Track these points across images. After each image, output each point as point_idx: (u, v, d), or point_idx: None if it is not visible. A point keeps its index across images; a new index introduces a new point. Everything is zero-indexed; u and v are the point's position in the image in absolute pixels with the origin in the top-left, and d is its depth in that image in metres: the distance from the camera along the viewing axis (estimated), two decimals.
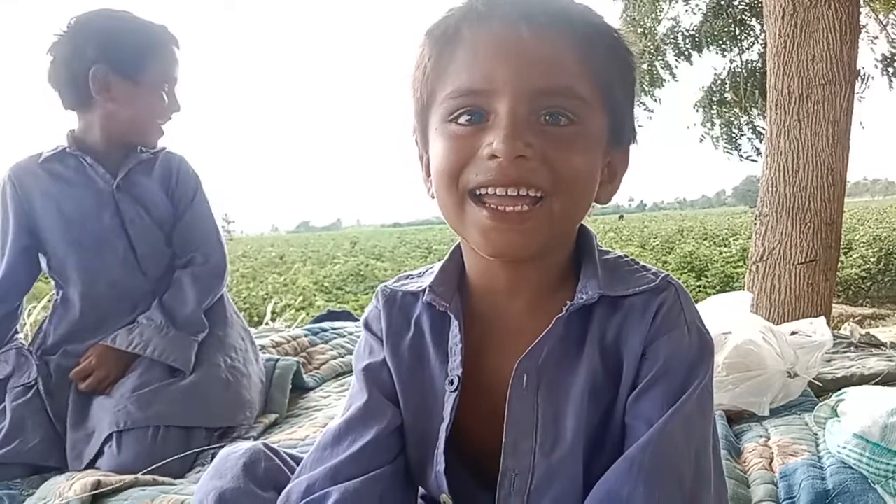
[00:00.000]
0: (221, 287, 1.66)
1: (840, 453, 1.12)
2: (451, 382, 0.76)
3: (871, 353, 2.00)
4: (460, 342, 0.76)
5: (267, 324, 3.83)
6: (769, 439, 1.31)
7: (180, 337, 1.52)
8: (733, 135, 7.28)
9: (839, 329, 2.35)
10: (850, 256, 9.27)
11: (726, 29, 6.88)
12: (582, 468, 0.72)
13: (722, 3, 6.83)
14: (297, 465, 0.82)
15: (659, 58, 6.99)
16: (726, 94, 7.15)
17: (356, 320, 2.52)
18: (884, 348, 2.09)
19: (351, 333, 2.23)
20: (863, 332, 2.24)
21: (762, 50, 6.47)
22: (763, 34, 5.93)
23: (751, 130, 7.22)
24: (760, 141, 6.93)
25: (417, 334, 0.82)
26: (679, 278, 0.94)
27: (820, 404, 1.31)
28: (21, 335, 1.64)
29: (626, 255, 0.81)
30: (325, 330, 2.20)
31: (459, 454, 0.80)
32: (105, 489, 1.13)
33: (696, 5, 6.93)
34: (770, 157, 3.45)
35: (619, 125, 0.74)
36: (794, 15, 3.33)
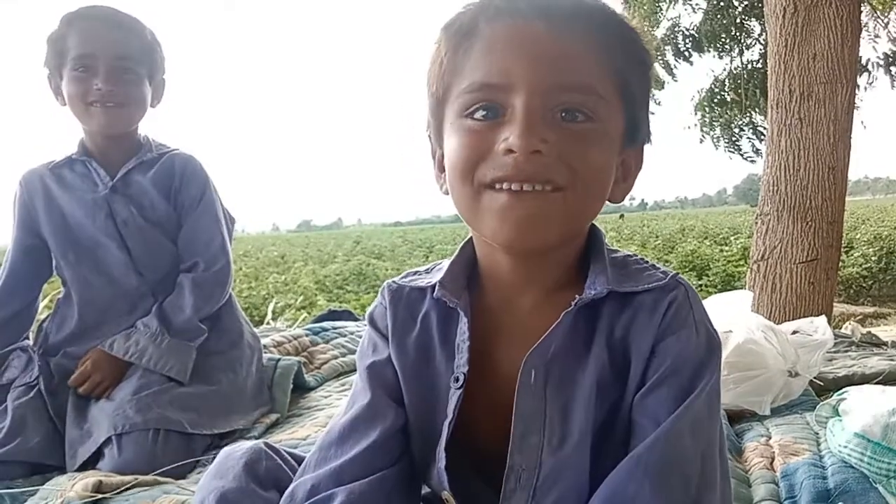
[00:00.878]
0: (223, 295, 1.65)
1: (841, 452, 1.12)
2: (457, 380, 0.76)
3: (872, 353, 2.00)
4: (468, 339, 0.76)
5: (268, 323, 3.84)
6: (770, 438, 1.31)
7: (176, 345, 1.52)
8: (733, 135, 7.27)
9: (840, 328, 2.35)
10: (852, 255, 9.25)
11: (726, 29, 6.87)
12: (588, 464, 0.72)
13: (721, 3, 6.82)
14: (299, 464, 0.82)
15: (659, 58, 6.98)
16: (726, 95, 7.14)
17: (357, 320, 2.52)
18: (885, 347, 2.09)
19: (352, 333, 2.23)
20: (864, 331, 2.24)
21: (762, 50, 6.46)
22: (763, 34, 5.93)
23: (751, 130, 7.21)
24: (760, 141, 6.92)
25: (424, 331, 0.81)
26: None
27: (821, 403, 1.31)
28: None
29: (635, 254, 0.82)
30: (325, 329, 2.20)
31: (463, 450, 0.79)
32: (106, 490, 1.13)
33: (696, 4, 6.92)
34: (771, 156, 3.45)
35: (635, 124, 0.75)
36: (795, 13, 3.32)
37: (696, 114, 7.33)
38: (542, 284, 0.77)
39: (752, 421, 1.45)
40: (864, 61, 6.03)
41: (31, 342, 1.62)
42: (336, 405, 1.66)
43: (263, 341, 1.94)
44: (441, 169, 0.78)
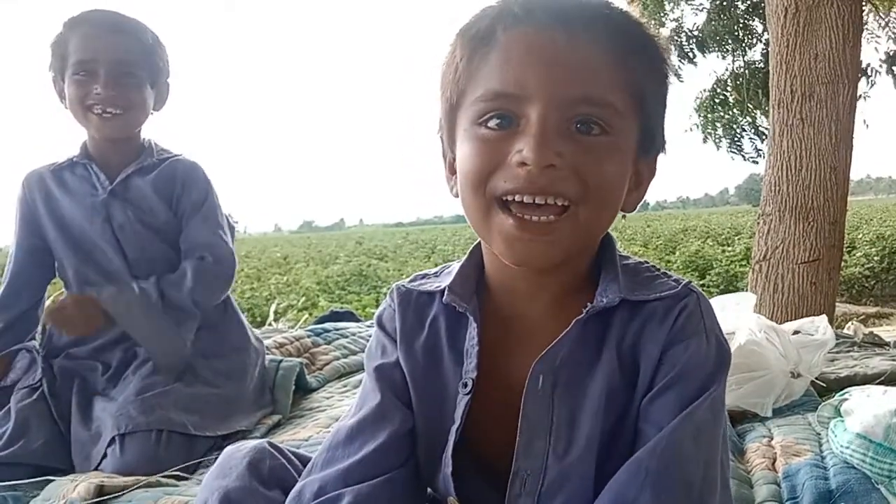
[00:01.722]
0: (224, 289, 1.64)
1: (843, 453, 1.12)
2: (465, 385, 0.76)
3: (874, 353, 1.99)
4: (477, 345, 0.76)
5: (270, 324, 3.84)
6: (772, 439, 1.31)
7: (163, 320, 1.51)
8: (735, 135, 7.26)
9: (843, 328, 2.34)
10: (854, 255, 9.23)
11: (729, 30, 6.87)
12: (594, 471, 0.72)
13: (724, 3, 6.82)
14: (302, 463, 0.82)
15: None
16: (728, 95, 7.13)
17: (359, 321, 2.52)
18: (887, 348, 2.08)
19: (354, 334, 2.23)
20: (866, 331, 2.23)
21: (764, 50, 6.46)
22: (765, 34, 5.91)
23: (753, 131, 7.21)
24: (762, 141, 6.92)
25: (432, 335, 0.81)
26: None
27: (823, 404, 1.31)
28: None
29: (646, 261, 0.81)
30: (327, 331, 2.20)
31: (469, 455, 0.79)
32: (109, 492, 1.13)
33: (700, 4, 6.92)
34: (773, 157, 3.44)
35: (651, 135, 0.74)
36: (797, 14, 3.32)
37: (698, 114, 7.33)
38: (552, 291, 0.77)
39: (754, 422, 1.45)
40: (865, 62, 6.03)
41: (36, 343, 1.62)
42: (338, 406, 1.66)
43: (265, 342, 1.94)
44: (452, 171, 0.78)
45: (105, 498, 1.13)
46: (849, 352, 2.03)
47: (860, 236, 10.98)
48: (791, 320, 2.13)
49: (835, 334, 1.78)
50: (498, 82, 0.68)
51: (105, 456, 1.35)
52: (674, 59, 7.09)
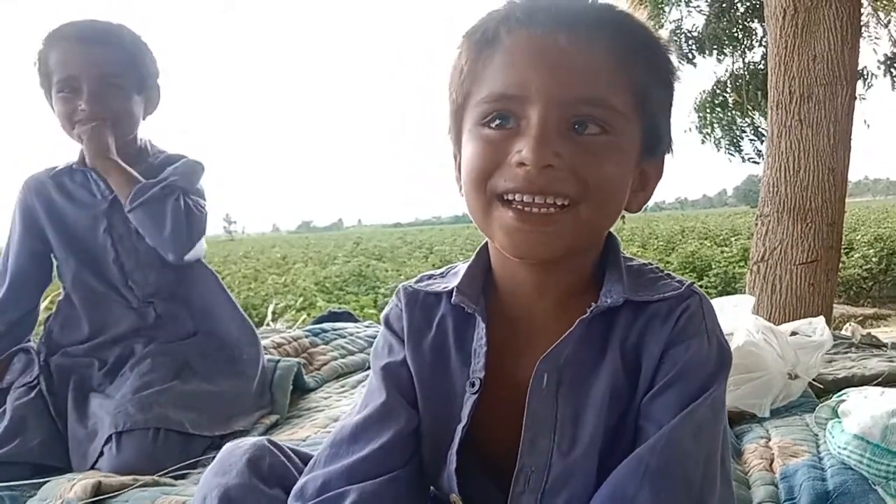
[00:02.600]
0: (197, 232, 1.57)
1: (841, 454, 1.12)
2: (473, 384, 0.77)
3: (872, 354, 2.00)
4: (485, 345, 0.77)
5: (268, 324, 3.84)
6: (770, 440, 1.31)
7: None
8: (734, 136, 7.28)
9: (840, 329, 2.35)
10: (852, 256, 9.25)
11: (728, 31, 6.88)
12: (596, 468, 0.73)
13: (724, 5, 6.83)
14: (302, 461, 0.82)
15: None
16: (728, 96, 7.15)
17: (357, 321, 2.52)
18: (885, 349, 2.09)
19: (352, 334, 2.23)
20: (864, 332, 2.24)
21: (764, 52, 6.47)
22: (765, 36, 5.92)
23: (752, 132, 7.22)
24: (761, 142, 6.92)
25: (439, 335, 0.82)
26: None
27: (820, 405, 1.31)
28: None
29: (650, 263, 0.82)
30: (325, 331, 2.20)
31: (473, 452, 0.80)
32: (106, 492, 1.13)
33: (697, 6, 6.93)
34: (771, 158, 3.45)
35: (655, 135, 0.75)
36: (795, 15, 3.32)
37: (697, 114, 7.34)
38: (557, 291, 0.78)
39: (752, 423, 1.45)
40: (864, 64, 6.03)
41: (32, 343, 1.63)
42: (336, 406, 1.66)
43: (263, 342, 1.94)
44: (460, 171, 0.79)
45: (102, 497, 1.12)
46: (846, 353, 2.03)
47: (858, 238, 11.00)
48: (789, 321, 2.13)
49: (832, 335, 1.78)
50: (500, 84, 0.69)
51: (102, 454, 1.35)
52: (673, 59, 7.11)
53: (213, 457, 0.84)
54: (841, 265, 4.57)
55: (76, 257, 1.59)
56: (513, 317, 0.80)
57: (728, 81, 7.15)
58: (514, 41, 0.69)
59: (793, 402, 1.54)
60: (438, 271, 0.88)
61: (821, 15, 3.27)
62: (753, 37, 6.99)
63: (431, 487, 0.84)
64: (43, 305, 1.73)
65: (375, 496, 0.73)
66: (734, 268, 9.32)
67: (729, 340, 1.53)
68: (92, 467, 1.35)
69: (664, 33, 7.03)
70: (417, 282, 0.87)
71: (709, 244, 12.55)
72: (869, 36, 6.01)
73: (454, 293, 0.79)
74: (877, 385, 1.56)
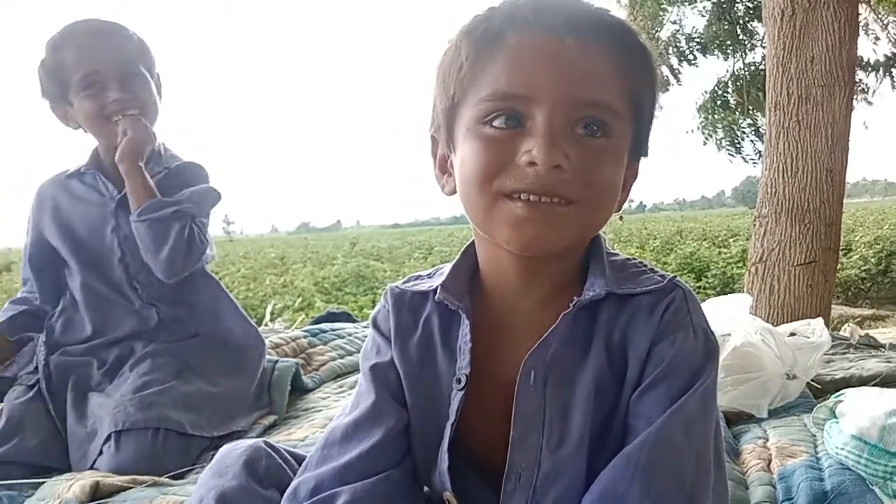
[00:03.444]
0: (198, 254, 1.56)
1: (838, 454, 1.12)
2: (459, 381, 0.77)
3: (869, 355, 2.00)
4: (470, 342, 0.77)
5: (266, 325, 3.83)
6: (768, 441, 1.31)
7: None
8: (736, 137, 7.29)
9: (839, 330, 2.35)
10: (850, 257, 9.26)
11: (729, 32, 6.89)
12: (586, 465, 0.73)
13: (724, 5, 6.85)
14: (298, 463, 0.82)
15: (662, 61, 6.99)
16: (729, 97, 7.16)
17: (355, 321, 2.52)
18: (882, 350, 2.09)
19: (350, 335, 2.23)
20: (862, 333, 2.24)
21: (765, 52, 6.48)
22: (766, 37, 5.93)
23: (753, 132, 7.23)
24: (763, 143, 6.94)
25: (426, 334, 0.82)
26: (679, 279, 0.94)
27: (818, 405, 1.31)
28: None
29: (633, 258, 0.83)
30: (324, 331, 2.20)
31: (464, 451, 0.80)
32: (104, 492, 1.13)
33: (698, 6, 6.95)
34: (769, 159, 3.45)
35: (642, 139, 0.77)
36: (793, 16, 3.33)
37: (699, 115, 7.35)
38: (543, 288, 0.78)
39: (750, 423, 1.45)
40: (870, 61, 6.03)
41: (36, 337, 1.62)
42: (334, 407, 1.66)
43: None
44: (443, 170, 0.80)
45: (100, 499, 1.12)
46: (844, 354, 2.04)
47: (856, 239, 11.00)
48: (787, 322, 2.13)
49: (831, 336, 1.78)
50: (505, 83, 0.69)
51: (101, 453, 1.34)
52: (673, 61, 7.11)
53: (212, 457, 0.84)
54: (839, 266, 4.57)
55: (82, 261, 1.59)
56: (498, 314, 0.80)
57: (729, 82, 7.17)
58: (521, 41, 0.69)
59: (791, 403, 1.54)
60: (426, 272, 0.88)
61: (818, 16, 3.27)
62: (755, 37, 7.00)
63: (425, 488, 0.84)
64: None
65: (368, 496, 0.73)
66: (732, 269, 9.32)
67: (726, 341, 1.54)
68: (91, 467, 1.35)
69: (665, 34, 7.04)
70: (405, 282, 0.87)
71: (707, 245, 12.55)
72: (869, 37, 6.03)
73: (438, 290, 0.80)
74: (875, 386, 1.57)
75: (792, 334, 1.79)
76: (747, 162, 7.31)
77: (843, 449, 1.11)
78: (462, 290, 0.80)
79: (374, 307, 0.90)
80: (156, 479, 1.23)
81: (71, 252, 1.59)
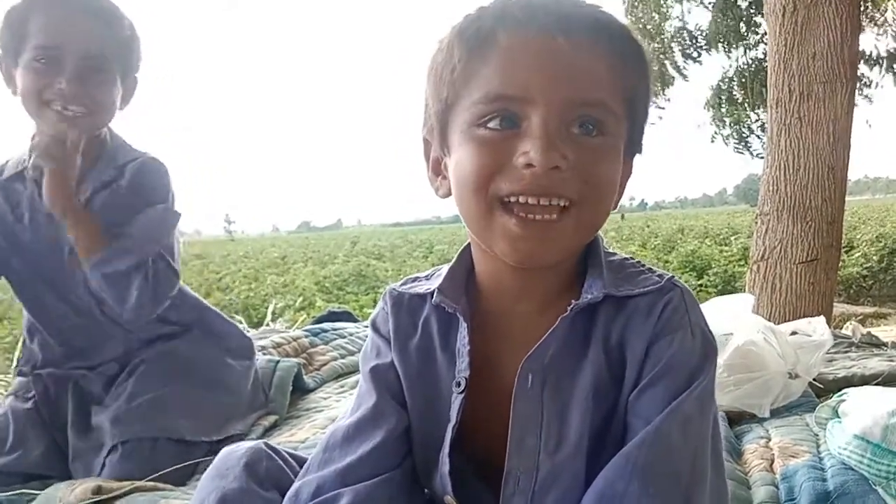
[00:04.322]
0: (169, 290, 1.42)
1: (841, 454, 1.11)
2: (458, 384, 0.77)
3: (872, 353, 1.99)
4: (468, 344, 0.77)
5: (267, 324, 3.83)
6: (770, 440, 1.31)
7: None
8: (743, 133, 7.28)
9: (841, 328, 2.34)
10: (852, 255, 9.24)
11: (734, 27, 6.87)
12: (585, 467, 0.73)
13: (727, 1, 6.83)
14: (299, 465, 0.82)
15: (666, 57, 6.98)
16: (735, 93, 7.15)
17: (357, 321, 2.51)
18: (885, 348, 2.08)
19: (351, 334, 2.22)
20: (864, 331, 2.23)
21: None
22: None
23: (760, 128, 7.21)
24: None
25: (425, 336, 0.82)
26: (680, 277, 0.95)
27: (821, 405, 1.30)
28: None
29: (631, 258, 0.82)
30: (325, 331, 2.20)
31: (464, 454, 0.80)
32: (105, 495, 1.13)
33: (705, 1, 6.93)
34: (771, 156, 3.45)
35: (636, 138, 0.76)
36: (795, 12, 3.32)
37: (707, 110, 7.33)
38: (540, 291, 0.78)
39: (752, 423, 1.45)
40: (873, 56, 6.00)
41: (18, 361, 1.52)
42: (335, 407, 1.66)
43: (263, 342, 1.94)
44: (436, 172, 0.79)
45: (101, 499, 1.12)
46: (847, 352, 2.03)
47: (858, 236, 10.98)
48: (789, 320, 2.13)
49: (833, 335, 1.78)
50: (499, 84, 0.68)
51: (104, 465, 1.32)
52: (678, 57, 7.10)
53: (212, 460, 0.84)
54: (841, 264, 4.57)
55: (36, 288, 1.43)
56: (497, 317, 0.80)
57: (734, 77, 7.15)
58: (513, 42, 0.68)
59: (793, 402, 1.53)
60: (423, 273, 0.88)
61: (820, 12, 3.27)
62: (759, 32, 6.98)
63: (426, 490, 0.84)
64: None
65: (370, 498, 0.73)
66: (734, 267, 9.31)
67: (728, 340, 1.53)
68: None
69: (669, 29, 7.03)
70: (403, 284, 0.87)
71: (709, 243, 12.53)
72: (876, 32, 6.00)
73: (435, 293, 0.79)
74: (877, 384, 1.56)
75: (793, 333, 1.79)
76: (755, 158, 7.30)
77: (845, 449, 1.10)
78: (459, 292, 0.80)
79: (375, 306, 0.89)
80: (156, 483, 1.23)
81: (23, 272, 1.42)
